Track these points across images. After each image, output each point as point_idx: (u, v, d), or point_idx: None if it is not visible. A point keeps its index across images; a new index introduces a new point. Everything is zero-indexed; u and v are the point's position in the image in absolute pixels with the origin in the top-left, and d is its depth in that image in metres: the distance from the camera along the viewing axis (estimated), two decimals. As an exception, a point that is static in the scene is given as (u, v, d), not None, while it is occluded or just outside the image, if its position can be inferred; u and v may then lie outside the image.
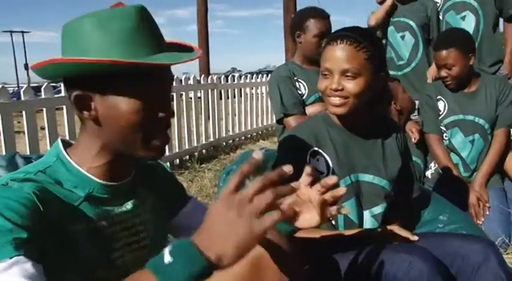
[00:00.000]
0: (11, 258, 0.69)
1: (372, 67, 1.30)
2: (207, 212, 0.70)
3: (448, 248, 1.27)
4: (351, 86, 1.28)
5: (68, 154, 0.90)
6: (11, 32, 44.17)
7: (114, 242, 0.90)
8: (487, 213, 2.12)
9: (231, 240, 0.66)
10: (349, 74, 1.28)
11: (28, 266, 0.70)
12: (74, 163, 0.89)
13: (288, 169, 0.67)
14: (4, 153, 2.90)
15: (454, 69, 2.16)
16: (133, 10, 0.82)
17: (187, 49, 0.93)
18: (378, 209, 1.41)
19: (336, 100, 1.31)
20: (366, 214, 1.40)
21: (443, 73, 2.18)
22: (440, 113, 2.32)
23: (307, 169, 0.95)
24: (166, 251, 0.68)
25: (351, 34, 1.30)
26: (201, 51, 0.93)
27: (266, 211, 0.64)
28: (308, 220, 0.92)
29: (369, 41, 1.31)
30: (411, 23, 3.07)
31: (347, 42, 1.28)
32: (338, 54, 1.29)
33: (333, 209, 0.90)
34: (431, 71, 3.02)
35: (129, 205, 0.95)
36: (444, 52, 2.14)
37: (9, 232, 0.71)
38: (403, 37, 3.14)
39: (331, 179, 0.91)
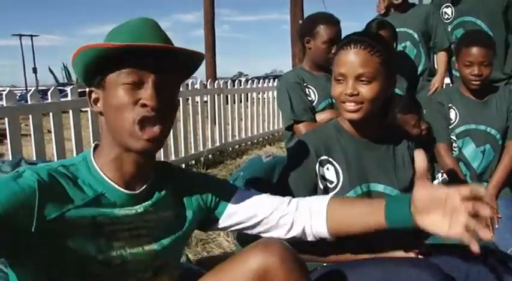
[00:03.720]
0: None
1: (385, 71, 1.28)
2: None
3: (463, 260, 1.25)
4: (366, 91, 1.26)
5: (94, 157, 0.97)
6: (20, 35, 44.49)
7: (114, 242, 0.93)
8: (496, 226, 2.08)
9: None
10: (364, 78, 1.26)
11: None
12: (98, 166, 0.96)
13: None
14: (11, 155, 2.92)
15: (489, 68, 2.11)
16: (138, 20, 0.96)
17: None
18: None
19: (351, 105, 1.28)
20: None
21: (477, 71, 2.10)
22: (451, 122, 2.28)
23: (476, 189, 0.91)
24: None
25: (364, 38, 1.28)
26: (203, 54, 1.02)
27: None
28: (436, 223, 0.96)
29: (381, 45, 1.29)
30: (411, 31, 2.97)
31: (361, 47, 1.26)
32: (352, 59, 1.26)
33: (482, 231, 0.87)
34: (438, 81, 2.95)
35: (140, 209, 0.98)
36: (484, 49, 2.09)
37: None
38: (404, 48, 3.06)
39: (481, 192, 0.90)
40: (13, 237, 0.79)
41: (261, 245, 0.95)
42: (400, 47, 3.01)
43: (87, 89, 0.97)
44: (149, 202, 0.99)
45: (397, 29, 2.81)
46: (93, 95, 0.96)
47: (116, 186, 0.95)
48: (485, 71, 2.11)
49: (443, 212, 0.92)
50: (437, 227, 0.93)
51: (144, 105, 0.90)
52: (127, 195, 0.96)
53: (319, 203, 1.16)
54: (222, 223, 1.16)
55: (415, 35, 2.98)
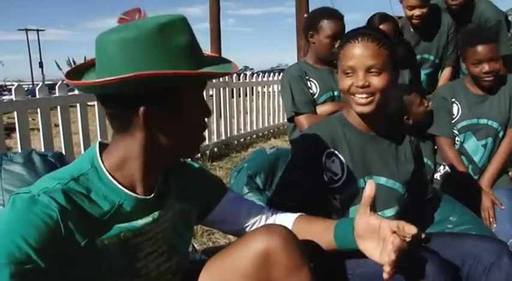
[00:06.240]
0: None
1: (392, 63, 1.32)
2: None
3: (460, 247, 1.27)
4: (377, 81, 1.29)
5: (102, 160, 0.91)
6: (27, 30, 44.62)
7: (138, 252, 0.93)
8: (502, 208, 2.08)
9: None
10: (373, 70, 1.28)
11: None
12: (109, 173, 0.90)
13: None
14: (20, 149, 2.97)
15: (498, 62, 2.10)
16: (181, 24, 0.88)
17: (221, 60, 1.02)
18: (390, 212, 1.41)
19: (363, 98, 1.30)
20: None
21: (488, 68, 2.08)
22: (454, 116, 2.28)
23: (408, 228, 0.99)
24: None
25: (370, 32, 1.32)
26: (236, 66, 1.00)
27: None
28: (371, 249, 1.03)
29: (387, 38, 1.33)
30: (432, 57, 2.81)
31: (369, 40, 1.29)
32: (361, 52, 1.29)
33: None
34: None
35: (155, 215, 0.96)
36: (490, 45, 2.08)
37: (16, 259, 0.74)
38: (427, 74, 2.87)
39: (411, 229, 0.98)
40: (44, 267, 0.77)
41: (264, 229, 0.98)
42: (422, 74, 2.85)
43: (141, 108, 0.85)
44: (161, 206, 0.98)
45: (421, 56, 2.75)
46: (151, 115, 0.86)
47: (130, 193, 0.91)
48: (495, 66, 2.09)
49: (377, 240, 1.01)
50: (371, 253, 1.03)
51: (209, 116, 0.98)
52: (142, 201, 0.93)
53: (290, 217, 1.22)
54: (206, 220, 1.19)
55: (437, 60, 2.83)
